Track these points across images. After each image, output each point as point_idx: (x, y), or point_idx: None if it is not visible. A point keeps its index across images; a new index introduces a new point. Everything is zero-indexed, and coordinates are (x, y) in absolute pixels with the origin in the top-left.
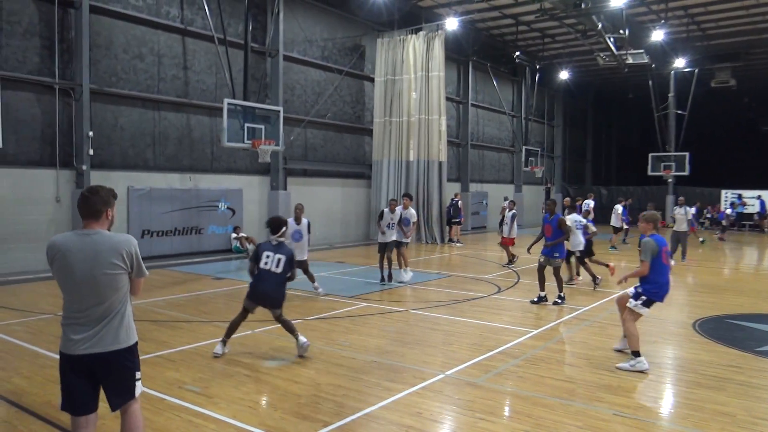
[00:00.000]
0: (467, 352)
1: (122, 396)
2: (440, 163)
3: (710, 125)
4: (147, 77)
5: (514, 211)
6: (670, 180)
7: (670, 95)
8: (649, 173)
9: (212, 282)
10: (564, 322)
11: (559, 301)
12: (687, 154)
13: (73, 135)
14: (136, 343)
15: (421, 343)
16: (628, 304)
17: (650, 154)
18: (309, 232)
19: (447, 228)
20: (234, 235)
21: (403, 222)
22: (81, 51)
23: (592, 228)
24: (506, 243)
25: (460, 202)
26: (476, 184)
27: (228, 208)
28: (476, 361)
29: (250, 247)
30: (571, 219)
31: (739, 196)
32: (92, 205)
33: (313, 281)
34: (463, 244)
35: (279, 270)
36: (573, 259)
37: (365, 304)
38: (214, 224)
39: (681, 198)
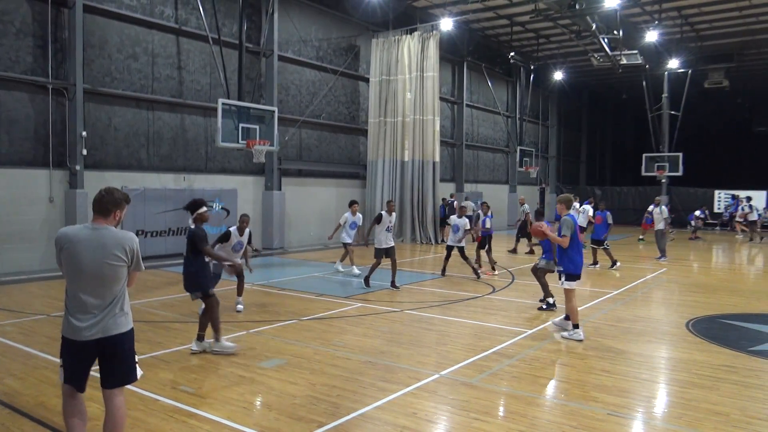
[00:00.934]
0: (462, 352)
1: (125, 377)
2: (434, 164)
3: (704, 126)
4: (141, 77)
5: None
6: (663, 180)
7: (663, 96)
8: (643, 173)
9: None
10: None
11: (545, 306)
12: (680, 154)
13: (67, 135)
14: (133, 328)
15: (415, 343)
16: (559, 285)
17: (644, 155)
18: (249, 242)
19: (440, 228)
20: None
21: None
22: (74, 51)
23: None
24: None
25: (455, 202)
26: (471, 185)
27: (222, 208)
28: (471, 361)
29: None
30: (463, 221)
31: (733, 197)
32: (104, 204)
33: (240, 294)
34: None
35: (186, 253)
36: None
37: (360, 304)
38: (208, 224)
39: (657, 198)
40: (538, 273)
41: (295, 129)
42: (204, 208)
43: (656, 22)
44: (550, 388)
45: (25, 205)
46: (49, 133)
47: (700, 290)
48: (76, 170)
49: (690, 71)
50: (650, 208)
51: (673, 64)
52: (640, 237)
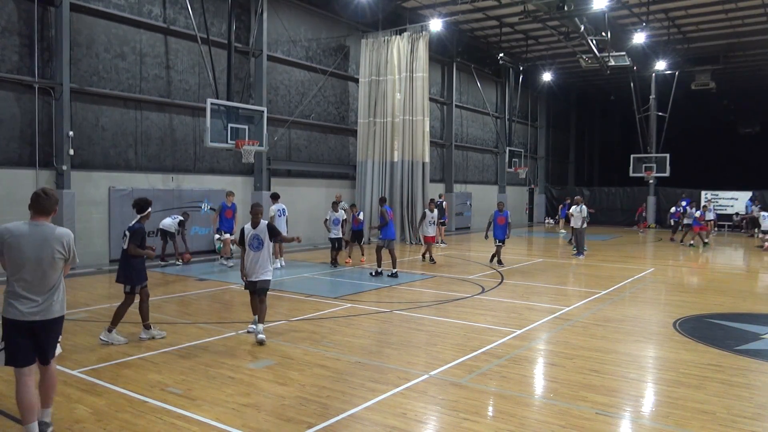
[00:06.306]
0: (451, 352)
1: (51, 353)
2: (424, 164)
3: (691, 127)
4: (129, 76)
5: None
6: (651, 181)
7: (651, 97)
8: (631, 174)
9: (196, 283)
10: (547, 323)
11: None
12: (667, 155)
13: (53, 135)
14: (64, 315)
15: (405, 343)
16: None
17: (632, 156)
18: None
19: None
20: (217, 236)
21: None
22: (61, 50)
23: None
24: (430, 240)
25: (445, 202)
26: (460, 185)
27: (211, 208)
28: (460, 361)
29: (234, 247)
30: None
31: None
32: (44, 205)
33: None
34: (447, 244)
35: (125, 246)
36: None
37: (350, 304)
38: (197, 225)
39: (578, 197)
40: (378, 249)
41: (284, 129)
42: (150, 209)
43: (644, 24)
44: (539, 387)
45: (10, 206)
46: (36, 132)
47: (687, 290)
48: (62, 170)
49: (677, 73)
50: (572, 208)
51: (661, 65)
52: (691, 242)
